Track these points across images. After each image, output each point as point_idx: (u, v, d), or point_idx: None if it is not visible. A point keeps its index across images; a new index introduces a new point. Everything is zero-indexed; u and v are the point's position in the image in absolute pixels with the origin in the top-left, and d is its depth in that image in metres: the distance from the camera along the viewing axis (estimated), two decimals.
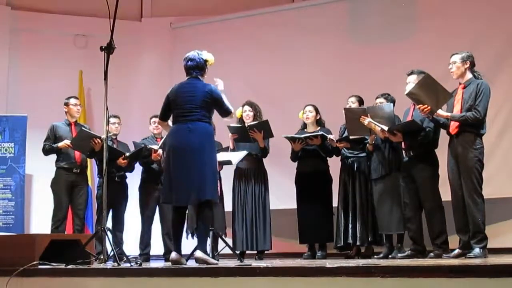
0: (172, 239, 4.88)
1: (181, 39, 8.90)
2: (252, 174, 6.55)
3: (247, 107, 6.65)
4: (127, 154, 6.64)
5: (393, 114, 5.66)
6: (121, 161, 6.57)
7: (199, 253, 4.51)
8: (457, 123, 5.14)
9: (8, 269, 4.18)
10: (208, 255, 4.72)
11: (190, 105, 4.66)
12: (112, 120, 6.80)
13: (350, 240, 6.19)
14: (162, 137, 6.93)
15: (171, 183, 4.62)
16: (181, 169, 4.57)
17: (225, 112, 4.83)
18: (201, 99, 4.67)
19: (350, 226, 6.18)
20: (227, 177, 6.67)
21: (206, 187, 4.57)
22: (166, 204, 6.67)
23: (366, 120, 5.66)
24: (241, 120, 6.67)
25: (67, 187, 6.54)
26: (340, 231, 6.25)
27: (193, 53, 4.84)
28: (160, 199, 4.89)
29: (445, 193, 5.37)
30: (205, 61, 4.83)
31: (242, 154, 6.15)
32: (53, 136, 6.61)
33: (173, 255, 4.55)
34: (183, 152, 4.58)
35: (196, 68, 4.79)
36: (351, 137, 6.07)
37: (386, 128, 5.52)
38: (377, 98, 6.05)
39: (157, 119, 6.95)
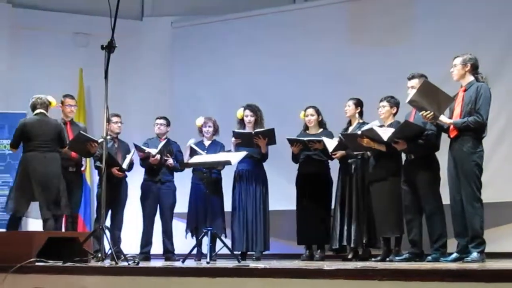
0: None
1: (182, 38, 8.90)
2: (253, 176, 6.53)
3: (248, 112, 6.59)
4: (124, 166, 6.65)
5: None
6: (115, 171, 6.52)
7: None
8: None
9: (5, 265, 4.19)
10: None
11: (44, 137, 6.00)
12: (114, 119, 6.76)
13: (344, 242, 6.19)
14: (166, 138, 6.95)
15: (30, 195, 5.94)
16: (37, 188, 5.88)
17: (64, 145, 6.18)
18: (52, 133, 6.05)
19: (345, 228, 6.18)
20: (227, 178, 6.67)
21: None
22: (164, 204, 6.82)
23: (365, 141, 5.67)
24: (241, 121, 6.65)
25: None
26: (336, 233, 6.25)
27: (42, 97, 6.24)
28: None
29: (445, 197, 5.35)
30: (49, 102, 6.23)
31: (241, 154, 6.12)
32: None
33: None
34: (40, 175, 5.88)
35: (43, 106, 6.15)
36: (355, 153, 6.09)
37: (385, 138, 5.50)
38: (380, 101, 5.96)
39: (160, 121, 6.99)
